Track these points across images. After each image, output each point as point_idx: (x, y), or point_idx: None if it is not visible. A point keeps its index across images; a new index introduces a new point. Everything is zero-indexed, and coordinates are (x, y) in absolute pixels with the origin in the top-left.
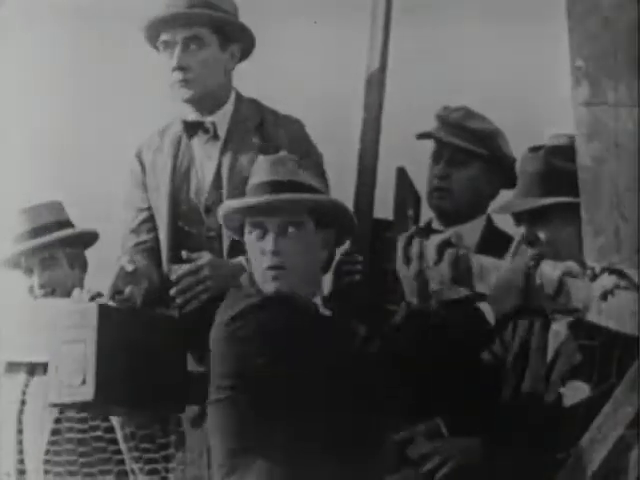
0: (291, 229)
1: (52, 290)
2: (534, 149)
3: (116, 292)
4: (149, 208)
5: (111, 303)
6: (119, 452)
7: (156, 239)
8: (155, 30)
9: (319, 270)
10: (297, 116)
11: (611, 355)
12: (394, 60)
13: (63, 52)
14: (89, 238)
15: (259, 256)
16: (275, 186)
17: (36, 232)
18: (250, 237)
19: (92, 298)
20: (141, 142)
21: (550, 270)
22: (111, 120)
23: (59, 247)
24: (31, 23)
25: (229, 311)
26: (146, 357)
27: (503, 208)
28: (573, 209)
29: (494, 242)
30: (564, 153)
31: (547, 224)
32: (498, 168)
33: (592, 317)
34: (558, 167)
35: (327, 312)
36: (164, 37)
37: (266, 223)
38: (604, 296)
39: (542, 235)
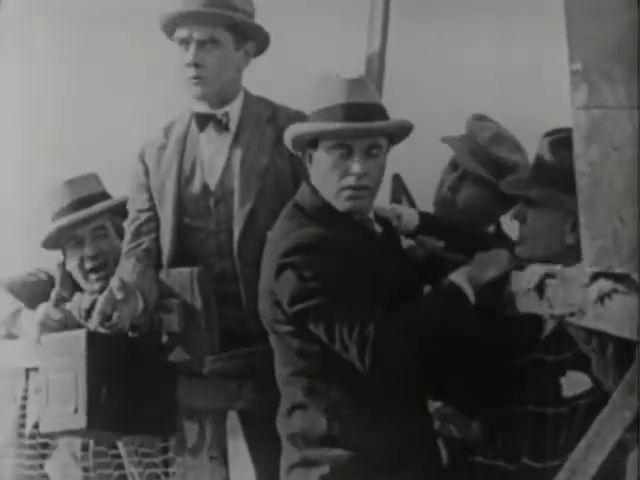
0: (374, 151)
1: (104, 263)
2: (547, 134)
3: (104, 318)
4: (149, 209)
5: (99, 328)
6: (119, 456)
7: (155, 240)
8: (172, 25)
9: None
10: None
11: (608, 359)
12: (392, 61)
13: (63, 52)
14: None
15: (337, 175)
16: (361, 109)
17: (83, 202)
18: (327, 156)
19: (92, 303)
20: (144, 142)
21: (532, 271)
22: (111, 119)
23: (106, 217)
24: (31, 23)
25: (286, 241)
26: (137, 383)
27: (510, 188)
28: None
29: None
30: (567, 145)
31: (534, 207)
32: (506, 197)
33: (588, 322)
34: (561, 160)
35: (379, 229)
36: (180, 33)
37: (353, 145)
38: (601, 300)
39: (528, 217)
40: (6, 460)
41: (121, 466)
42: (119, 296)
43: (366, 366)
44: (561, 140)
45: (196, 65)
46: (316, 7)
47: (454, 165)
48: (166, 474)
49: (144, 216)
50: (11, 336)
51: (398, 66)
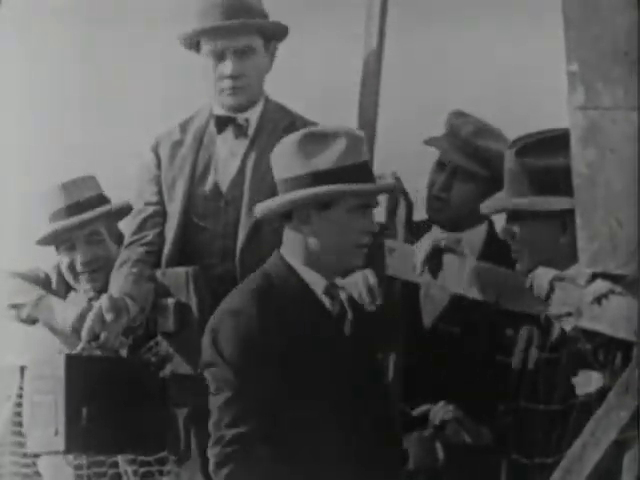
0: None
1: (96, 268)
2: (512, 143)
3: (92, 339)
4: (157, 203)
5: (87, 347)
6: None
7: (159, 235)
8: (198, 38)
9: None
10: None
11: (605, 359)
12: (391, 61)
13: (63, 52)
14: (126, 211)
15: (360, 233)
16: (361, 169)
17: (78, 207)
18: (348, 211)
19: (89, 300)
20: (159, 135)
21: (542, 274)
22: (112, 120)
23: (101, 222)
24: (31, 23)
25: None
26: (121, 403)
27: (487, 206)
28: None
29: (496, 249)
30: (535, 149)
31: (521, 220)
32: (500, 186)
33: (585, 322)
34: (528, 166)
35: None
36: (214, 46)
37: (371, 202)
38: (598, 301)
39: (518, 232)
40: (2, 458)
41: (115, 464)
42: (108, 317)
43: None
44: (523, 147)
45: (235, 77)
46: (313, 8)
47: (442, 165)
48: (160, 472)
49: (151, 209)
50: (32, 320)
51: (395, 67)
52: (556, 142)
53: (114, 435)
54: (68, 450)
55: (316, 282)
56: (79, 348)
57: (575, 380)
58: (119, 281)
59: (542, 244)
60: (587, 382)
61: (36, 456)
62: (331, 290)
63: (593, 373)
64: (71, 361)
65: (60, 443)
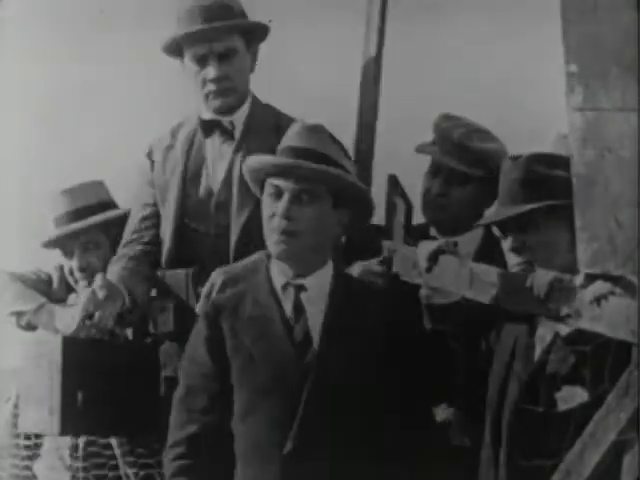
0: (305, 197)
1: (92, 274)
2: (515, 157)
3: (86, 317)
4: (155, 204)
5: (81, 326)
6: (113, 457)
7: (155, 236)
8: (181, 44)
9: (329, 244)
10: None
11: (603, 361)
12: (390, 63)
13: (63, 52)
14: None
15: (269, 217)
16: (300, 152)
17: (77, 214)
18: (266, 197)
19: None
20: (152, 141)
21: (542, 275)
22: (111, 120)
23: (101, 230)
24: (31, 23)
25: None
26: (115, 385)
27: (486, 218)
28: (557, 212)
29: (493, 250)
30: (545, 160)
31: (533, 230)
32: (496, 186)
33: (584, 323)
34: (538, 173)
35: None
36: (195, 51)
37: (282, 186)
38: (597, 301)
39: (529, 241)
40: (1, 460)
41: (116, 467)
42: (101, 295)
43: None
44: (533, 156)
45: (218, 80)
46: (313, 12)
47: (435, 171)
48: (161, 475)
49: (148, 210)
50: (32, 327)
51: (395, 69)
52: (561, 160)
53: (108, 417)
54: (63, 432)
55: (277, 277)
56: (74, 327)
57: (558, 396)
58: (114, 273)
59: (556, 250)
60: (572, 398)
61: (33, 455)
62: (287, 288)
63: (578, 389)
64: (68, 343)
65: (55, 425)
